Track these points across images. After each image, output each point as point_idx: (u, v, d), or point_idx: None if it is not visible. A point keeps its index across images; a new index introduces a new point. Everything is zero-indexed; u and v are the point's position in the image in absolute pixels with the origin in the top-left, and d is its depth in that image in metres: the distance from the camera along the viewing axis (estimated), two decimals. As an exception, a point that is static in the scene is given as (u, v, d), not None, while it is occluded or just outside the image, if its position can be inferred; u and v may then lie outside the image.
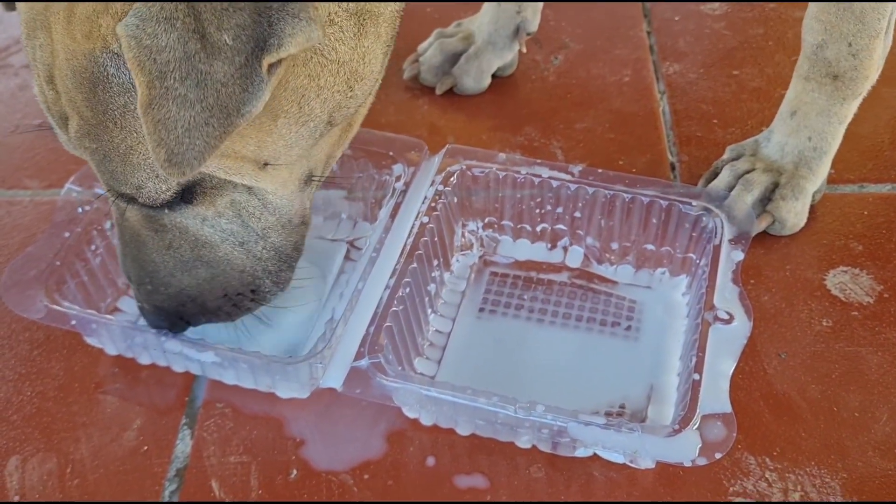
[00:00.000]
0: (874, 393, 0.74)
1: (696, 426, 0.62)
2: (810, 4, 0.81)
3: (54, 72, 0.59)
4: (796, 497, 0.68)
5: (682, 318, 0.78)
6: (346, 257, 0.84)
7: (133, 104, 0.57)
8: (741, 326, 0.69)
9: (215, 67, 0.52)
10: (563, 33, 1.14)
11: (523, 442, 0.70)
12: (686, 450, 0.61)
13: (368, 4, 0.62)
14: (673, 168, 0.95)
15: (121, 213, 0.67)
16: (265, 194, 0.66)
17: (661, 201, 0.79)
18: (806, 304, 0.81)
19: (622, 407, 0.72)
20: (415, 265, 0.75)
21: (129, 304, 0.81)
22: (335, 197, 0.87)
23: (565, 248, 0.84)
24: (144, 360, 0.77)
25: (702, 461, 0.61)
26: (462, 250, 0.85)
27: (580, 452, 0.69)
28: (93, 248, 0.80)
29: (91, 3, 0.55)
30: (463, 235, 0.85)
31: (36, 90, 0.62)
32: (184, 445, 0.72)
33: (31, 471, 0.71)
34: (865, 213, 0.89)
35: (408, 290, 0.74)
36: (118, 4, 0.54)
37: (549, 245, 0.84)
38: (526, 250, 0.85)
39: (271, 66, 0.54)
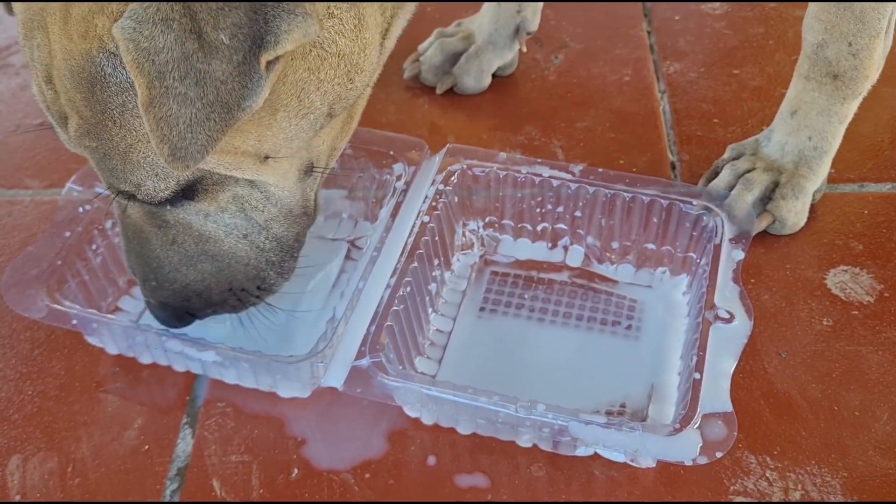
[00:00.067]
0: (874, 392, 0.74)
1: (696, 425, 0.62)
2: (811, 4, 0.81)
3: (52, 72, 0.59)
4: (797, 496, 0.68)
5: (683, 317, 0.78)
6: (347, 256, 0.84)
7: (131, 103, 0.57)
8: (742, 325, 0.69)
9: (213, 66, 0.52)
10: (563, 32, 1.14)
11: (524, 441, 0.70)
12: (687, 449, 0.61)
13: None
14: (673, 167, 0.95)
15: (123, 211, 0.67)
16: (267, 186, 0.66)
17: (662, 200, 0.79)
18: (806, 304, 0.81)
19: (623, 406, 0.72)
20: (415, 264, 0.75)
21: (130, 304, 0.81)
22: (336, 196, 0.87)
23: (566, 248, 0.84)
24: (145, 359, 0.77)
25: (702, 460, 0.61)
26: (463, 249, 0.85)
27: (581, 451, 0.69)
28: (94, 247, 0.80)
29: (86, 4, 0.55)
30: (464, 235, 0.85)
31: (35, 90, 0.63)
32: (185, 445, 0.72)
33: (33, 470, 0.71)
34: (866, 212, 0.89)
35: (409, 289, 0.74)
36: (113, 4, 0.54)
37: (550, 244, 0.84)
38: (526, 249, 0.85)
39: (270, 63, 0.54)
